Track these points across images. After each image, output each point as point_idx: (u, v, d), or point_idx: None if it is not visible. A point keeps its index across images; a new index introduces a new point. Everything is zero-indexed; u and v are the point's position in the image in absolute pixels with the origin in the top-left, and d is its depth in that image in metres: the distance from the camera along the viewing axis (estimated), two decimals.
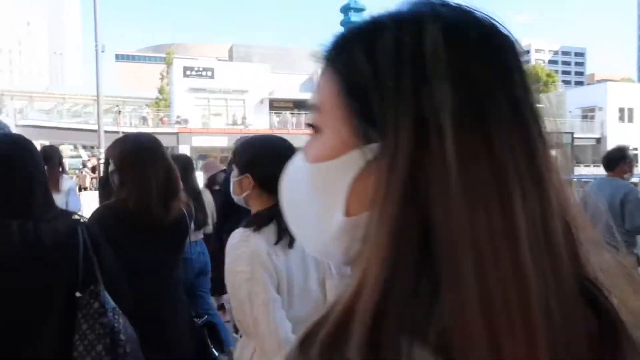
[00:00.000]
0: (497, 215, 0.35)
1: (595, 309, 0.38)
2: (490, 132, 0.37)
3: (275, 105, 33.16)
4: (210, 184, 4.54)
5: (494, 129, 0.37)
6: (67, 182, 4.11)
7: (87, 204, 7.63)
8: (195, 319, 2.07)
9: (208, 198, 4.21)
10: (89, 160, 20.08)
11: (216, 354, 2.03)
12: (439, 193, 0.35)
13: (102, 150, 7.20)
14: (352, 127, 0.42)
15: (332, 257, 0.50)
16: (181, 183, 1.97)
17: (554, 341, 0.34)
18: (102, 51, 7.23)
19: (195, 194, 3.76)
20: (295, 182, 0.50)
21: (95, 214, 1.83)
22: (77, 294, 1.37)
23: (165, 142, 5.82)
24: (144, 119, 32.56)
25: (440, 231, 0.35)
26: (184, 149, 26.40)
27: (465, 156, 0.36)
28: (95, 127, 30.04)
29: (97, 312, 1.36)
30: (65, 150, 44.58)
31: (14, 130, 20.42)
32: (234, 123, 31.54)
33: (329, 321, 0.38)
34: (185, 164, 3.88)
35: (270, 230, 1.47)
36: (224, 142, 30.08)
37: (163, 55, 44.19)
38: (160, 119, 32.20)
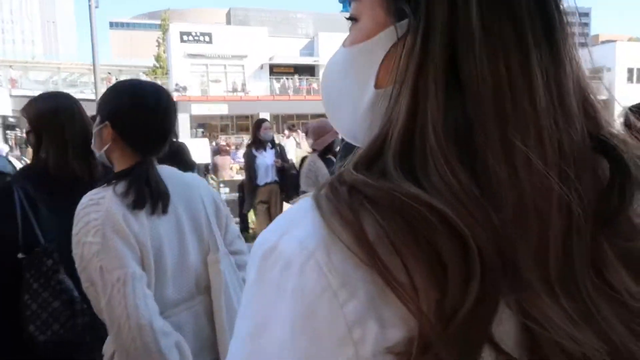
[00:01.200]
0: (516, 65, 0.39)
1: (609, 159, 0.42)
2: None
3: (276, 71, 32.41)
4: (325, 150, 3.81)
5: None
6: None
7: None
8: None
9: (319, 166, 3.65)
10: None
11: None
12: (465, 49, 0.40)
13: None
14: (387, 7, 0.46)
15: (360, 138, 0.52)
16: None
17: (568, 182, 0.38)
18: (96, 7, 6.66)
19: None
20: (335, 68, 0.54)
21: (18, 175, 1.74)
22: (20, 255, 1.34)
23: None
24: None
25: (466, 79, 0.39)
26: (183, 118, 25.85)
27: (488, 16, 0.40)
28: (92, 97, 29.54)
29: (50, 269, 1.34)
30: None
31: (9, 100, 20.08)
32: (234, 90, 30.85)
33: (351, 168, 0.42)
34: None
35: (132, 193, 1.20)
36: (224, 110, 29.49)
37: (159, 22, 42.98)
38: None
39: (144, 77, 34.61)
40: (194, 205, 1.33)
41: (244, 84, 31.05)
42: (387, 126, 0.42)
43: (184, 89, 29.20)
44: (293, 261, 0.38)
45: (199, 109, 28.94)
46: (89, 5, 7.30)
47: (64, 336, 1.36)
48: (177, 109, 1.38)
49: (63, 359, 1.42)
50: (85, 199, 1.20)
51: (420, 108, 0.40)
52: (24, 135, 3.57)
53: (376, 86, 0.47)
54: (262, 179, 5.15)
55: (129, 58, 63.54)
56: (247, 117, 32.11)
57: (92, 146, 1.33)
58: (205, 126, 31.76)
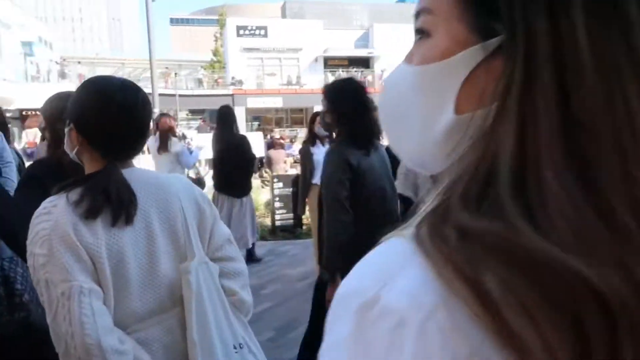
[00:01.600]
0: (634, 96, 0.35)
1: None
2: (624, 11, 0.35)
3: (330, 63, 32.25)
4: None
5: (627, 9, 0.35)
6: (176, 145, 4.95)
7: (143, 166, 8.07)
8: None
9: None
10: None
11: None
12: (575, 78, 0.35)
13: (157, 111, 7.03)
14: (470, 23, 0.41)
15: (429, 165, 0.48)
16: None
17: None
18: (153, 0, 6.82)
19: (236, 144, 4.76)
20: (398, 88, 0.48)
21: (30, 168, 1.77)
22: None
23: (221, 104, 5.42)
24: (199, 81, 32.63)
25: (579, 112, 0.35)
26: (239, 111, 26.22)
27: (598, 38, 0.35)
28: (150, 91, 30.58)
29: None
30: None
31: None
32: (289, 83, 31.01)
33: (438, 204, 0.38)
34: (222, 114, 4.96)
35: (85, 201, 1.09)
36: (279, 103, 29.71)
37: (216, 17, 43.86)
38: (215, 81, 32.15)
39: (202, 72, 35.55)
40: (170, 210, 1.22)
41: (298, 77, 31.13)
42: (486, 156, 0.37)
43: (240, 82, 29.67)
44: (408, 319, 0.33)
45: (254, 102, 29.33)
46: (146, 1, 7.47)
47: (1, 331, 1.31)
48: (150, 109, 1.26)
49: None
50: (40, 207, 1.13)
51: (530, 138, 0.35)
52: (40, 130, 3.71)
53: (457, 111, 0.42)
54: (319, 177, 4.81)
55: (188, 53, 65.38)
56: (301, 110, 32.23)
57: (64, 147, 1.24)
58: (260, 119, 32.19)
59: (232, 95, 28.71)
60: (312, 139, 4.62)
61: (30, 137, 12.74)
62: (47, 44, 33.41)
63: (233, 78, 30.18)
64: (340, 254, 2.21)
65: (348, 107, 2.32)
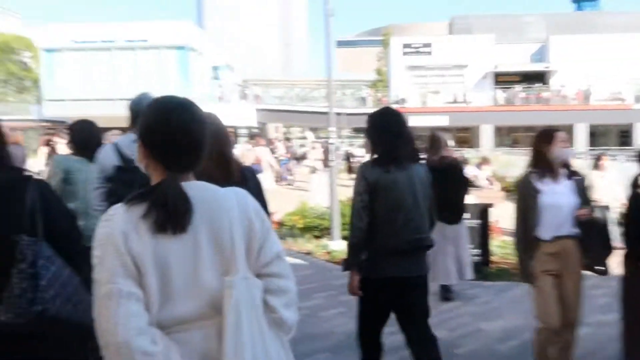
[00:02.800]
0: None
1: None
2: None
3: (500, 80, 30.21)
4: None
5: None
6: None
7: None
8: None
9: None
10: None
11: None
12: None
13: (332, 129, 7.74)
14: None
15: None
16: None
17: None
18: (331, 15, 6.86)
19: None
20: None
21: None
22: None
23: None
24: (363, 99, 33.15)
25: None
26: None
27: None
28: (320, 110, 31.91)
29: (17, 259, 1.48)
30: (294, 132, 48.67)
31: (254, 113, 22.57)
32: (454, 101, 29.78)
33: None
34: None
35: (143, 209, 1.22)
36: (444, 122, 28.63)
37: (380, 37, 44.37)
38: (379, 99, 32.34)
39: (366, 90, 36.13)
40: (218, 225, 1.28)
41: (464, 95, 29.73)
42: None
43: (403, 100, 29.34)
44: None
45: (417, 121, 28.72)
46: (325, 24, 7.51)
47: (16, 320, 1.46)
48: (206, 126, 1.35)
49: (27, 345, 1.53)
50: (106, 213, 1.27)
51: None
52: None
53: None
54: (550, 229, 3.00)
55: (353, 72, 67.41)
56: (467, 129, 30.65)
57: (136, 160, 1.36)
58: (422, 138, 31.41)
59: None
60: (543, 167, 3.08)
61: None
62: (230, 68, 37.20)
63: (396, 96, 29.99)
64: (354, 252, 2.68)
65: (373, 135, 2.75)
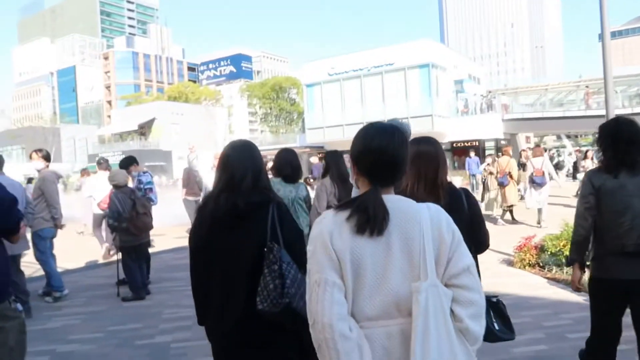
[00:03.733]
0: None
1: None
2: None
3: None
4: None
5: None
6: None
7: None
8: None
9: None
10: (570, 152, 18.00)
11: (497, 327, 2.12)
12: None
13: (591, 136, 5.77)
14: None
15: None
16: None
17: None
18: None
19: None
20: None
21: None
22: (265, 249, 1.92)
23: None
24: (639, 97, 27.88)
25: None
26: None
27: None
28: (578, 114, 28.15)
29: (271, 261, 1.88)
30: (549, 140, 44.12)
31: (501, 124, 21.44)
32: None
33: None
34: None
35: (346, 214, 1.45)
36: None
37: None
38: None
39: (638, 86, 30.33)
40: (410, 233, 1.42)
41: None
42: None
43: None
44: None
45: None
46: (601, 16, 6.35)
47: (272, 309, 1.82)
48: (402, 147, 1.54)
49: (277, 326, 1.90)
50: (320, 216, 1.54)
51: None
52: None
53: None
54: None
55: (622, 66, 57.80)
56: None
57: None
58: None
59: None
60: None
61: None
62: (475, 80, 36.14)
63: None
64: (577, 249, 2.95)
65: (604, 142, 2.88)
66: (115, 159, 48.91)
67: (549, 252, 6.20)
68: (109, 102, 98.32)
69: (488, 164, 12.85)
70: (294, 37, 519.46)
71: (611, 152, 2.80)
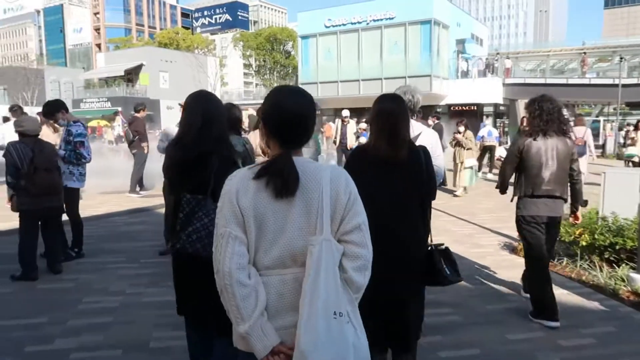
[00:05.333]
0: None
1: None
2: None
3: None
4: None
5: None
6: None
7: None
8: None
9: None
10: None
11: (448, 271, 2.54)
12: None
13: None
14: None
15: None
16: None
17: None
18: None
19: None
20: None
21: (352, 151, 2.76)
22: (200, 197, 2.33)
23: None
24: None
25: None
26: None
27: None
28: (578, 82, 27.13)
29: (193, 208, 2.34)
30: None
31: (501, 88, 20.64)
32: None
33: None
34: None
35: (257, 175, 1.55)
36: None
37: None
38: None
39: None
40: (310, 193, 1.54)
41: None
42: None
43: None
44: None
45: None
46: None
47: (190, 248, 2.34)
48: (314, 110, 1.65)
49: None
50: (232, 173, 1.62)
51: None
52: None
53: None
54: None
55: (624, 37, 56.24)
56: None
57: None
58: None
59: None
60: None
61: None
62: (478, 41, 34.67)
63: None
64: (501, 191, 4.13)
65: (530, 112, 3.87)
66: (99, 105, 47.27)
67: (561, 239, 5.15)
68: (98, 46, 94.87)
69: (458, 132, 11.04)
70: None
71: (537, 121, 3.72)
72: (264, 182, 1.52)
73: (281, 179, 1.50)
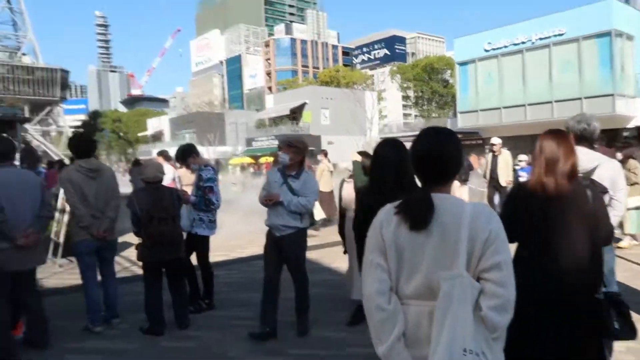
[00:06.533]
0: None
1: None
2: None
3: None
4: None
5: None
6: None
7: None
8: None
9: None
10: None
11: (617, 325, 2.30)
12: None
13: None
14: None
15: None
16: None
17: None
18: None
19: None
20: None
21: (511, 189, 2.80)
22: None
23: None
24: None
25: None
26: None
27: None
28: None
29: None
30: None
31: None
32: None
33: None
34: None
35: (396, 209, 1.70)
36: None
37: None
38: None
39: None
40: (449, 228, 1.59)
41: None
42: None
43: None
44: None
45: None
46: None
47: None
48: (448, 150, 1.73)
49: None
50: (380, 210, 1.78)
51: None
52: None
53: None
54: None
55: None
56: None
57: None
58: None
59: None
60: None
61: None
62: None
63: None
64: None
65: None
66: (268, 143, 51.30)
67: None
68: (269, 88, 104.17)
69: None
70: (450, 13, 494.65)
71: None
72: (403, 216, 1.65)
73: (414, 213, 1.62)
